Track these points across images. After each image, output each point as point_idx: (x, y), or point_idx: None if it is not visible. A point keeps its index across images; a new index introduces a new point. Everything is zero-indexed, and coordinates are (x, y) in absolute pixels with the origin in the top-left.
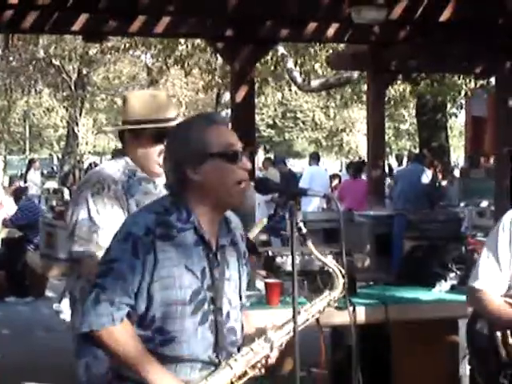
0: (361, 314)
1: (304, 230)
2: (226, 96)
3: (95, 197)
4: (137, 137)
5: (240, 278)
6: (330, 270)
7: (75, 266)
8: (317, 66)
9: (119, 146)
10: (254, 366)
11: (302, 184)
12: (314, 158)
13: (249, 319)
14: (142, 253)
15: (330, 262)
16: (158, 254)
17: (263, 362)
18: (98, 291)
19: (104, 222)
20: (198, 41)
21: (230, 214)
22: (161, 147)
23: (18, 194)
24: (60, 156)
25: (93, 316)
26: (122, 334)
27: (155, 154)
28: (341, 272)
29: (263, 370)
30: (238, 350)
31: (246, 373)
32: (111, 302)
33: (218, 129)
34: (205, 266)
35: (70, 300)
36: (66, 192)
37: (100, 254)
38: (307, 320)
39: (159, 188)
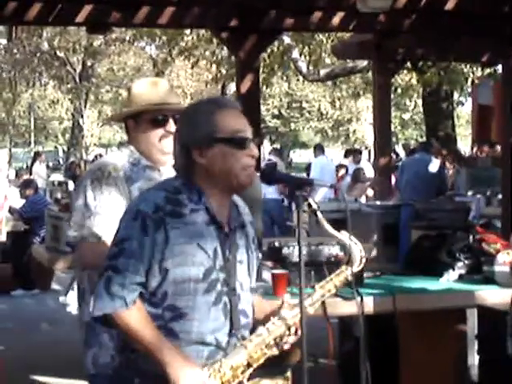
0: (368, 305)
1: (314, 205)
2: (232, 87)
3: (94, 184)
4: (138, 123)
5: (249, 262)
6: (347, 244)
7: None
8: (323, 55)
9: (125, 137)
10: (271, 346)
11: (314, 175)
12: (319, 149)
13: (266, 303)
14: (151, 230)
15: (345, 236)
16: (169, 230)
17: (281, 340)
18: (109, 274)
19: (100, 208)
20: (203, 32)
21: (237, 199)
22: (161, 132)
23: (25, 186)
24: (65, 148)
25: (105, 299)
26: (135, 317)
27: (156, 139)
28: (357, 246)
29: (287, 346)
30: (251, 333)
31: (263, 352)
32: (123, 284)
33: (227, 113)
34: (216, 246)
35: (77, 292)
36: (71, 184)
37: (93, 239)
38: (323, 296)
39: (164, 176)
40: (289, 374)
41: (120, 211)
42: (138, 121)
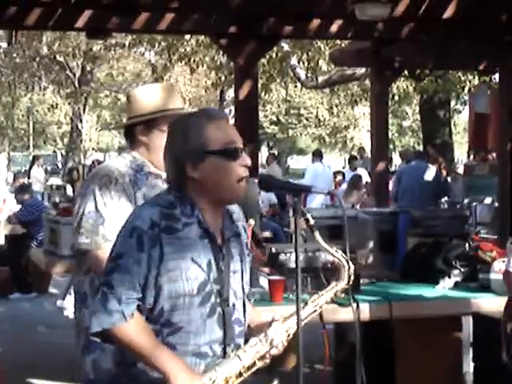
0: (365, 311)
1: (312, 221)
2: (230, 93)
3: (102, 190)
4: (149, 129)
5: (243, 270)
6: (337, 260)
7: (81, 261)
8: (321, 62)
9: (123, 142)
10: (262, 357)
11: (306, 181)
12: (317, 156)
13: (257, 312)
14: (147, 246)
15: (336, 252)
16: (164, 246)
17: (271, 352)
18: (105, 289)
19: (111, 215)
20: (202, 37)
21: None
22: None
23: (21, 191)
24: (64, 153)
25: (103, 314)
26: (134, 330)
27: None
28: (347, 262)
29: (269, 361)
30: (245, 341)
31: (254, 363)
32: (119, 299)
33: (218, 125)
34: (210, 259)
35: (76, 296)
36: (69, 188)
37: (106, 246)
38: (314, 311)
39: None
40: (276, 382)
41: None
42: (150, 126)
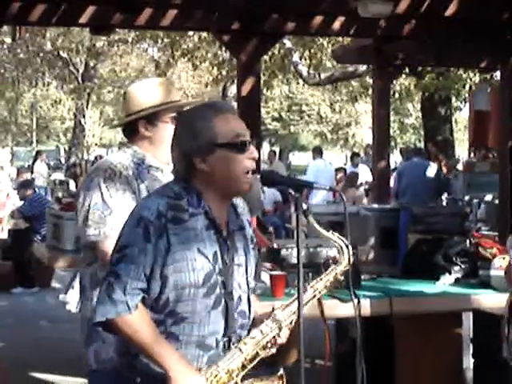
0: (365, 307)
1: (305, 206)
2: (233, 89)
3: (107, 182)
4: (152, 123)
5: (248, 263)
6: (334, 243)
7: (88, 253)
8: (323, 59)
9: (125, 138)
10: (264, 347)
11: (308, 178)
12: (317, 152)
13: (259, 306)
14: (153, 236)
15: (333, 235)
16: (171, 237)
17: (273, 341)
18: (111, 279)
19: (117, 206)
20: (205, 34)
21: (236, 199)
22: None
23: (23, 186)
24: (67, 148)
25: (108, 304)
26: (137, 322)
27: None
28: (346, 245)
29: (274, 350)
30: (248, 333)
31: (257, 354)
32: (125, 289)
33: (226, 118)
34: (216, 250)
35: (80, 289)
36: (72, 184)
37: (115, 236)
38: (314, 296)
39: (167, 176)
40: (282, 371)
41: None
42: (154, 120)
